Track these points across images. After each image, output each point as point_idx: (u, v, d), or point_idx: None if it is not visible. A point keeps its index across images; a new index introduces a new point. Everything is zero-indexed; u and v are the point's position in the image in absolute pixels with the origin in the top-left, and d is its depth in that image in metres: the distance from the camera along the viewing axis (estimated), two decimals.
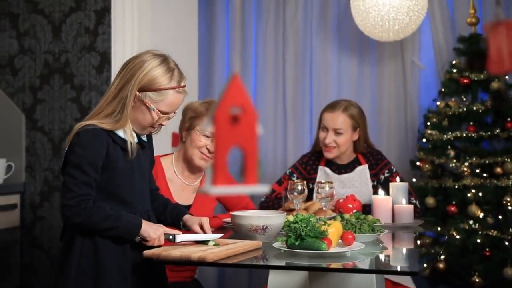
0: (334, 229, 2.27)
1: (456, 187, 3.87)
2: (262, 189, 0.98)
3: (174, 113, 2.28)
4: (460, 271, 3.78)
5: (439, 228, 3.61)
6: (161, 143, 3.55)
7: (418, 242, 2.76)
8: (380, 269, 2.06)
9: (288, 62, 4.59)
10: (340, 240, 2.30)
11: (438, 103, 4.13)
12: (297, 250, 2.17)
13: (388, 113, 4.51)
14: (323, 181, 2.77)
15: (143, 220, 2.20)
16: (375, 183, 3.34)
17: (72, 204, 2.10)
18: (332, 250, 2.21)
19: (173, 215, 2.44)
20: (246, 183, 0.97)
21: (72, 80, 3.67)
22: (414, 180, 4.13)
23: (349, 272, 2.17)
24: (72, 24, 3.66)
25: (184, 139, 2.84)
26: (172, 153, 2.92)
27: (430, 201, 3.91)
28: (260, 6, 4.65)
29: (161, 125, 2.27)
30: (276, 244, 2.26)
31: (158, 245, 2.19)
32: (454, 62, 4.10)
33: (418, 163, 4.11)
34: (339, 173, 3.34)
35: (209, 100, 2.87)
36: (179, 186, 2.84)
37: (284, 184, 3.38)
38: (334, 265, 2.16)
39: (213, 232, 2.82)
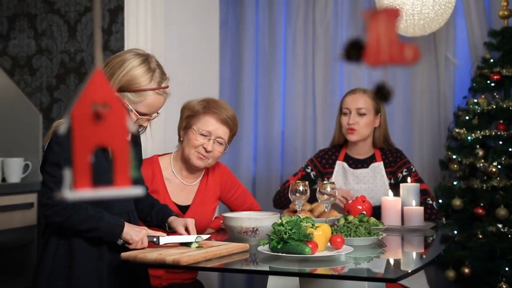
0: (320, 232, 2.17)
1: (484, 188, 3.69)
2: (135, 191, 0.91)
3: (157, 113, 2.22)
4: (486, 277, 3.61)
5: (460, 231, 3.46)
6: (168, 142, 3.52)
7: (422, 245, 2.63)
8: (358, 275, 1.95)
9: (317, 59, 4.49)
10: (329, 244, 2.21)
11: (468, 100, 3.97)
12: (280, 254, 2.08)
13: (420, 111, 4.35)
14: (325, 182, 2.66)
15: (126, 223, 2.15)
16: (392, 181, 3.23)
17: (51, 203, 2.06)
18: (318, 254, 2.12)
19: (159, 217, 2.38)
20: (117, 185, 0.90)
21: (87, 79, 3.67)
22: (441, 180, 3.98)
23: (315, 278, 2.07)
24: (87, 23, 3.67)
25: (181, 139, 2.78)
26: (171, 153, 2.86)
27: (457, 202, 3.74)
28: (289, 3, 4.56)
29: (141, 125, 2.22)
30: (260, 248, 2.18)
31: (141, 247, 2.14)
32: (485, 57, 3.93)
33: (448, 163, 3.95)
34: (355, 167, 3.27)
35: (207, 99, 2.79)
36: (177, 186, 2.78)
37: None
38: (320, 270, 2.07)
39: (212, 234, 2.77)
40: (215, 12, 4.20)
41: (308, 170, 3.34)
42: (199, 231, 2.76)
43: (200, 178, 2.83)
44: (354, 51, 0.83)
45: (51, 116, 3.75)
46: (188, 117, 2.74)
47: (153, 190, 2.71)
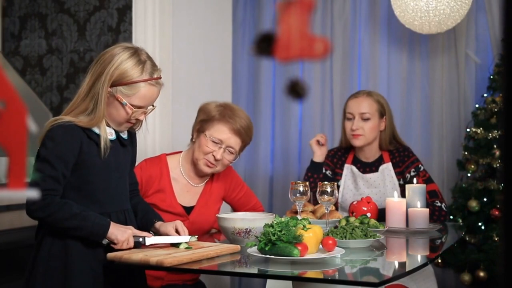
0: (311, 234, 2.11)
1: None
2: (30, 193, 0.87)
3: (153, 106, 2.20)
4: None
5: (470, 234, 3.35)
6: (175, 143, 3.49)
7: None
8: (346, 279, 1.89)
9: (335, 57, 4.41)
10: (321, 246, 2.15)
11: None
12: (268, 256, 2.03)
13: (440, 110, 4.24)
14: (325, 183, 2.60)
15: (111, 223, 2.11)
16: (402, 181, 3.14)
17: (36, 199, 2.02)
18: (309, 256, 2.06)
19: (143, 223, 2.34)
20: (11, 187, 0.86)
21: None
22: (458, 181, 3.87)
23: (304, 281, 2.01)
24: (96, 22, 3.66)
25: (193, 140, 2.74)
26: (180, 152, 2.83)
27: (473, 204, 3.63)
28: None
29: (138, 120, 2.19)
30: (249, 250, 2.13)
31: (127, 248, 2.10)
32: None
33: (465, 164, 3.83)
34: (364, 172, 3.18)
35: (224, 104, 2.73)
36: (183, 187, 2.75)
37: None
38: (312, 272, 2.01)
39: (215, 234, 2.74)
40: (228, 12, 4.16)
41: (327, 173, 3.27)
42: (203, 232, 2.73)
43: (207, 179, 2.81)
44: (264, 44, 0.78)
45: None
46: (202, 121, 2.70)
47: (159, 189, 2.68)
